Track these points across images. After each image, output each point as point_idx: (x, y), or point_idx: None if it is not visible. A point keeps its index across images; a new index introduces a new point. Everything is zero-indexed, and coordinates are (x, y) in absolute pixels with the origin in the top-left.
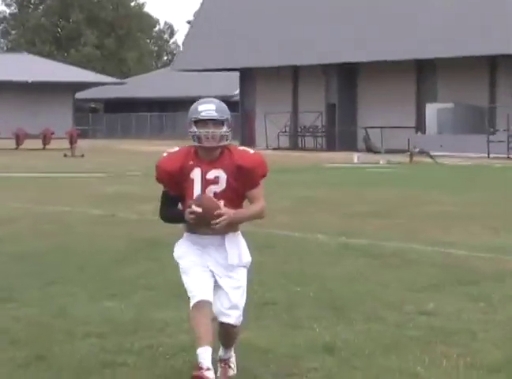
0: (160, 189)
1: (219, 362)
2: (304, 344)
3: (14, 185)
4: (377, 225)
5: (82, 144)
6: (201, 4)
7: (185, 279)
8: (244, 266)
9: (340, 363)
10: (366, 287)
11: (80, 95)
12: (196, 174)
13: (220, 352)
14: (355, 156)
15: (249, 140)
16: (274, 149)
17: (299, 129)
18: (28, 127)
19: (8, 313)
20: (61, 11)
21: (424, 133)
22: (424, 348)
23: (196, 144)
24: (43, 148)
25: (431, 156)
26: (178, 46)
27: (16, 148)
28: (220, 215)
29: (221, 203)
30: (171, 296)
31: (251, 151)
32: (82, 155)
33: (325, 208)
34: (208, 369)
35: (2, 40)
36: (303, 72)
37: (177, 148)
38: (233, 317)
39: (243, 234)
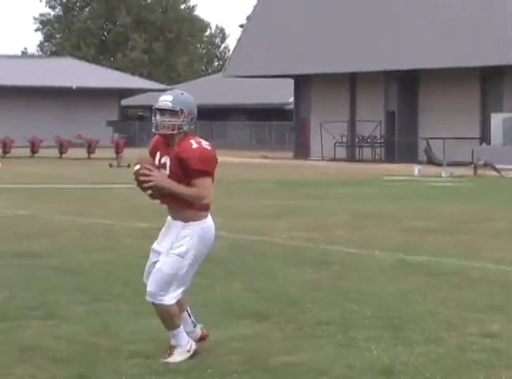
0: None
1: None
2: (361, 366)
3: (58, 197)
4: (437, 241)
5: (128, 153)
6: (255, 7)
7: None
8: (177, 255)
9: None
10: (425, 306)
11: (126, 102)
12: (157, 157)
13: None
14: (416, 169)
15: (304, 150)
16: (330, 160)
17: (357, 140)
18: (72, 135)
19: (49, 330)
20: (107, 14)
21: (489, 144)
22: (488, 373)
23: (153, 130)
24: (88, 158)
25: (496, 169)
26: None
27: (60, 157)
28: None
29: (162, 171)
30: (220, 314)
31: (194, 144)
32: (128, 165)
33: (383, 222)
34: None
35: (46, 44)
36: (361, 79)
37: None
38: (147, 295)
39: (296, 250)
